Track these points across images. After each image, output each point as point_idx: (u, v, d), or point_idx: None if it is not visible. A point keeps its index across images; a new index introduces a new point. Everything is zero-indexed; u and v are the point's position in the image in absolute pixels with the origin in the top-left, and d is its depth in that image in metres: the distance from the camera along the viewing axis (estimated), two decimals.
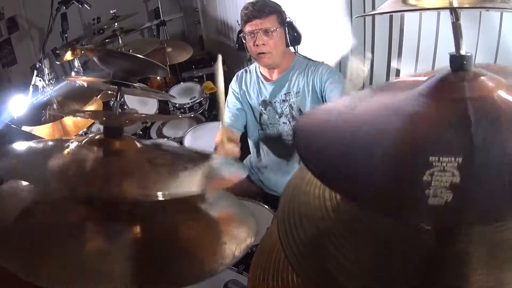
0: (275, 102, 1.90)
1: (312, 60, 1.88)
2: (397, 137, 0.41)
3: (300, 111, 1.86)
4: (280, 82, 1.88)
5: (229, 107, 2.01)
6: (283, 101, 1.88)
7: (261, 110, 1.95)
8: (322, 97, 1.79)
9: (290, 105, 1.87)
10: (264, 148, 2.05)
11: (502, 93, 0.43)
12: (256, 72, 1.97)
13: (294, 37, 1.81)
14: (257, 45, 1.75)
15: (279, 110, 1.91)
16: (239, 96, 2.00)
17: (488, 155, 0.35)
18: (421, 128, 0.41)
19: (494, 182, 0.34)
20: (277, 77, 1.89)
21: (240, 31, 1.86)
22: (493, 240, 0.38)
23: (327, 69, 1.79)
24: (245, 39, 1.81)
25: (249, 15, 1.75)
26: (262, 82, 1.93)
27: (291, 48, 1.88)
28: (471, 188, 0.34)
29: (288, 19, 1.80)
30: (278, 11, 1.78)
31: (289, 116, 1.89)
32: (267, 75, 1.92)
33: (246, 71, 2.03)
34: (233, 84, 2.03)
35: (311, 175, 0.51)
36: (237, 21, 1.88)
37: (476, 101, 0.41)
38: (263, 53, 1.77)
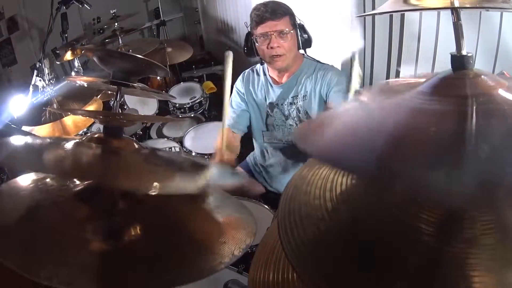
0: (282, 105, 1.88)
1: (321, 63, 1.85)
2: (399, 128, 0.43)
3: (307, 113, 1.84)
4: (289, 85, 1.85)
5: (233, 107, 1.97)
6: (291, 104, 1.86)
7: (268, 111, 1.93)
8: (326, 101, 1.79)
9: (298, 108, 1.85)
10: (269, 148, 2.03)
11: (502, 92, 0.44)
12: (264, 74, 1.93)
13: (306, 40, 1.77)
14: (271, 48, 1.70)
15: (286, 113, 1.89)
16: (244, 97, 1.97)
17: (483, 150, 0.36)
18: (423, 121, 0.43)
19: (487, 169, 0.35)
20: (286, 80, 1.86)
21: (249, 34, 1.81)
22: (494, 241, 0.38)
23: (335, 76, 1.75)
24: (256, 41, 1.75)
25: (262, 16, 1.69)
26: (271, 85, 1.90)
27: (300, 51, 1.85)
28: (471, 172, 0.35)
29: (299, 22, 1.77)
30: (290, 13, 1.74)
31: (296, 118, 1.87)
32: (276, 78, 1.89)
33: (253, 71, 1.98)
34: (239, 84, 1.99)
35: (312, 175, 0.52)
36: (245, 24, 1.83)
37: (476, 96, 0.42)
38: (277, 55, 1.72)
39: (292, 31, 1.72)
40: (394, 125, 0.43)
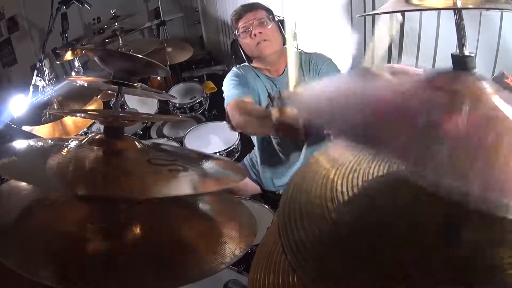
0: (278, 98, 1.89)
1: (305, 53, 1.88)
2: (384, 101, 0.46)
3: None
4: (282, 80, 1.86)
5: (233, 84, 1.81)
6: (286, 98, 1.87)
7: (269, 103, 1.90)
8: None
9: None
10: (269, 142, 2.02)
11: (496, 99, 0.44)
12: (253, 69, 1.89)
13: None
14: (254, 35, 1.74)
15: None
16: (247, 82, 1.86)
17: None
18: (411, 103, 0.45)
19: None
20: (277, 75, 1.88)
21: (233, 42, 1.87)
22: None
23: (320, 59, 1.83)
24: (240, 37, 1.80)
25: (240, 12, 1.80)
26: (268, 78, 1.88)
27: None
28: None
29: (278, 18, 1.81)
30: (267, 9, 1.83)
31: None
32: (267, 73, 1.89)
33: (242, 68, 1.91)
34: (230, 76, 1.88)
35: (313, 174, 0.52)
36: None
37: (466, 96, 0.44)
38: (263, 40, 1.74)
39: (271, 21, 1.77)
40: (382, 100, 0.46)
